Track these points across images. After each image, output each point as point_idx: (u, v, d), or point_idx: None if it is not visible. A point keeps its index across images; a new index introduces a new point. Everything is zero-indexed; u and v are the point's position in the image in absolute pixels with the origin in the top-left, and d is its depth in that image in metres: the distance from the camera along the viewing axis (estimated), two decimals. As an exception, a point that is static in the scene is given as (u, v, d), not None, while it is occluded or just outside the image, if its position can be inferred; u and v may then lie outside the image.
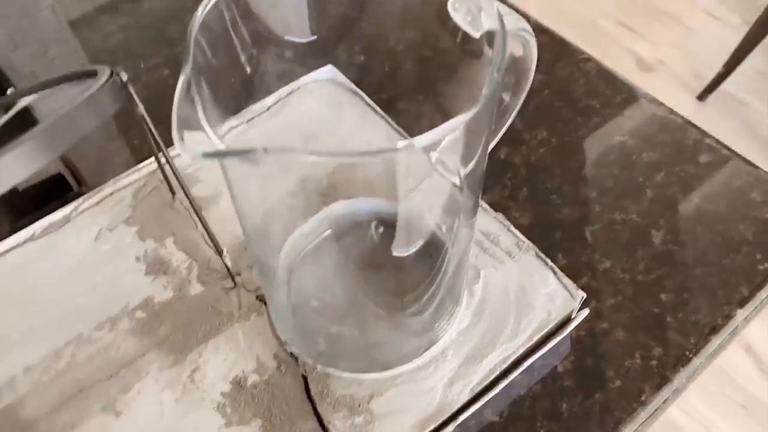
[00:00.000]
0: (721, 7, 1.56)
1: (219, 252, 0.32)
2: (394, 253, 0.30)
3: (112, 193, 0.37)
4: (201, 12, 0.21)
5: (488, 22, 0.23)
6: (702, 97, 1.35)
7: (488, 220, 0.35)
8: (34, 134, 0.21)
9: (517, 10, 0.31)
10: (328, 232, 0.33)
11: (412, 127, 0.38)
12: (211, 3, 0.22)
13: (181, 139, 0.19)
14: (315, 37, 0.32)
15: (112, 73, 0.24)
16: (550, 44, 0.45)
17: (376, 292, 0.30)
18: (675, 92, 1.39)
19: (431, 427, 0.29)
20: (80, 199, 0.37)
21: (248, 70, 0.25)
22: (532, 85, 0.43)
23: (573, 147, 0.40)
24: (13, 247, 0.35)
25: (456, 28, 0.24)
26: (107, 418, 0.30)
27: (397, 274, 0.31)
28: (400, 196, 0.31)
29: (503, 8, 0.23)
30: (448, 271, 0.28)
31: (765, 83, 1.39)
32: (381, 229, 0.31)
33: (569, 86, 0.42)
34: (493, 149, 0.40)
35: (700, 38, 1.50)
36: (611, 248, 0.36)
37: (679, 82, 1.41)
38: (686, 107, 1.36)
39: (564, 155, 0.39)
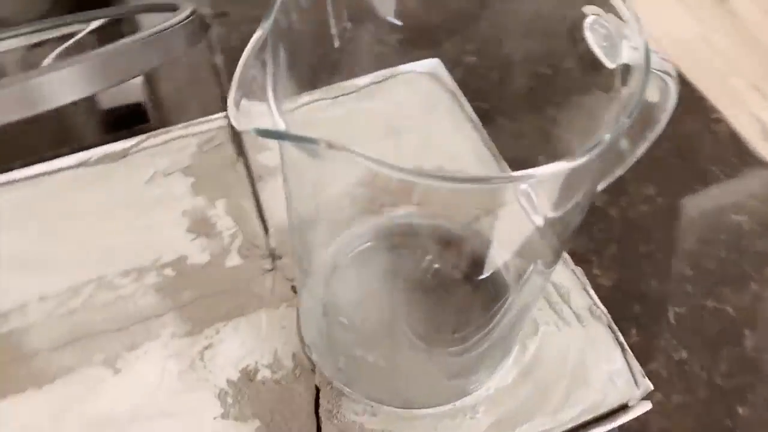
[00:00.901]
0: None
1: (265, 228, 0.30)
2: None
3: (177, 138, 0.35)
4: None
5: (628, 55, 0.19)
6: (825, 185, 1.24)
7: (563, 271, 0.31)
8: (89, 58, 0.19)
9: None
10: (373, 242, 0.29)
11: (507, 148, 0.34)
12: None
13: (236, 106, 0.16)
14: (421, 25, 0.28)
15: (193, 12, 0.22)
16: (682, 93, 0.40)
17: (417, 320, 0.27)
18: (796, 173, 1.28)
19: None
20: (144, 136, 0.35)
21: (337, 43, 0.22)
22: (651, 133, 0.38)
23: (680, 213, 0.35)
24: (65, 168, 0.33)
25: (588, 52, 0.21)
26: (105, 372, 0.28)
27: (446, 305, 0.27)
28: (469, 221, 0.27)
29: (635, 38, 0.20)
30: (505, 319, 0.25)
31: None
32: (439, 251, 0.28)
33: (692, 144, 0.38)
34: (589, 193, 0.35)
35: (839, 123, 1.38)
36: (694, 338, 0.31)
37: (803, 164, 1.30)
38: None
39: (668, 219, 0.35)
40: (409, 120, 0.36)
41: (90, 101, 0.45)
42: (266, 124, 0.17)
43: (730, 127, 0.38)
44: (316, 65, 0.22)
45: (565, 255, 0.31)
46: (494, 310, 0.25)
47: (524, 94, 0.37)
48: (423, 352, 0.26)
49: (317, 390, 0.27)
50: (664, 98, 0.22)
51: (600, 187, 0.26)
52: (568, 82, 0.23)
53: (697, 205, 0.35)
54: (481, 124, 0.35)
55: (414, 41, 0.38)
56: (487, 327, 0.25)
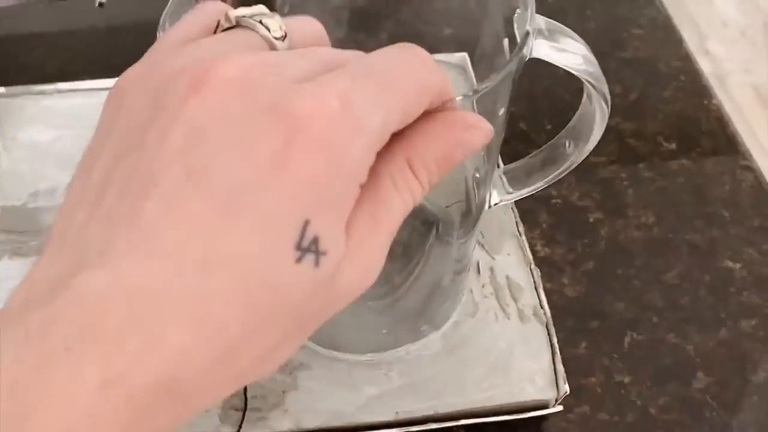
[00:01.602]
0: None
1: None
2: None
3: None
4: None
5: (538, 51, 0.20)
6: None
7: (521, 269, 0.32)
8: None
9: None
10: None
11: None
12: None
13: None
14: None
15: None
16: (717, 133, 0.39)
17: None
18: None
19: (337, 426, 0.27)
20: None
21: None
22: (669, 165, 0.38)
23: (671, 246, 0.35)
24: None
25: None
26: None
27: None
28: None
29: (572, 44, 0.21)
30: (415, 284, 0.26)
31: None
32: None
33: (710, 185, 0.37)
34: (584, 211, 0.36)
35: None
36: (642, 366, 0.31)
37: None
38: None
39: (656, 250, 0.34)
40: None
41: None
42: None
43: (758, 178, 0.37)
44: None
45: (528, 254, 0.32)
46: (403, 272, 0.27)
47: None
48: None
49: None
50: (590, 104, 0.22)
51: (543, 183, 0.27)
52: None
53: (691, 242, 0.35)
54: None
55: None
56: (399, 289, 0.27)
